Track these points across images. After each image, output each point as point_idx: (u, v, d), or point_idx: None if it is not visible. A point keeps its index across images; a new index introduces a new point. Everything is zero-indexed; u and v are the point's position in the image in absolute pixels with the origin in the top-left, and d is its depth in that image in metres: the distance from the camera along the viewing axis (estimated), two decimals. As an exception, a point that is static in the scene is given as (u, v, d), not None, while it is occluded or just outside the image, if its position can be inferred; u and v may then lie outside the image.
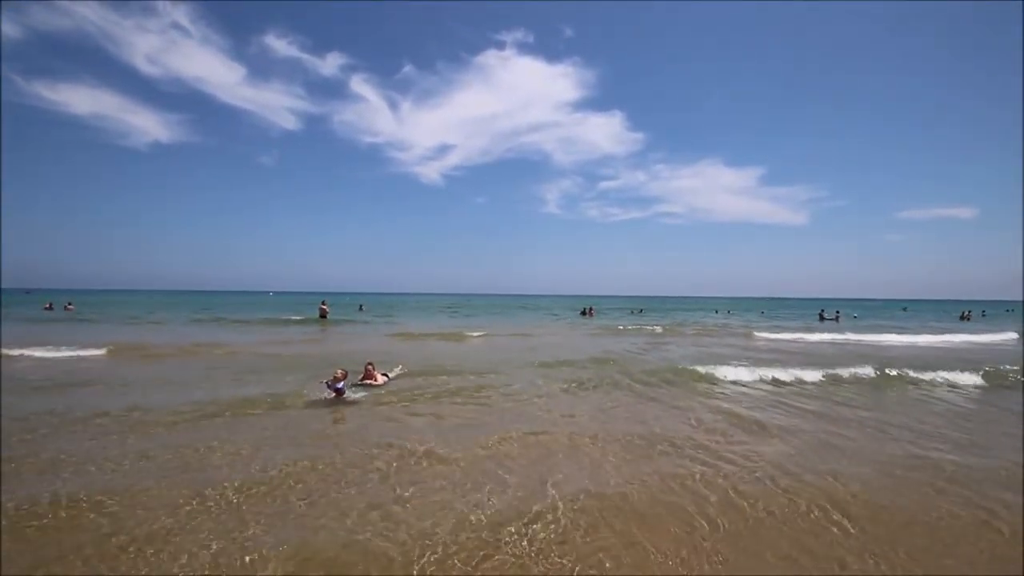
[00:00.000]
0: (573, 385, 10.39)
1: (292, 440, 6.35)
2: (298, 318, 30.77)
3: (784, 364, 13.35)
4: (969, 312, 48.80)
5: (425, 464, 5.54)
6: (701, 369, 12.09)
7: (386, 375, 10.24)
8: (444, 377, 10.79)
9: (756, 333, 25.51)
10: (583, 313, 44.06)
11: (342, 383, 8.67)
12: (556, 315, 43.73)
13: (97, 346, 14.36)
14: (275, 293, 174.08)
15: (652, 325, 30.07)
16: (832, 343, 21.63)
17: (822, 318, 42.20)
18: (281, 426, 7.00)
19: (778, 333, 25.63)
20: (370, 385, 9.46)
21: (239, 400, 8.38)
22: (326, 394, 8.66)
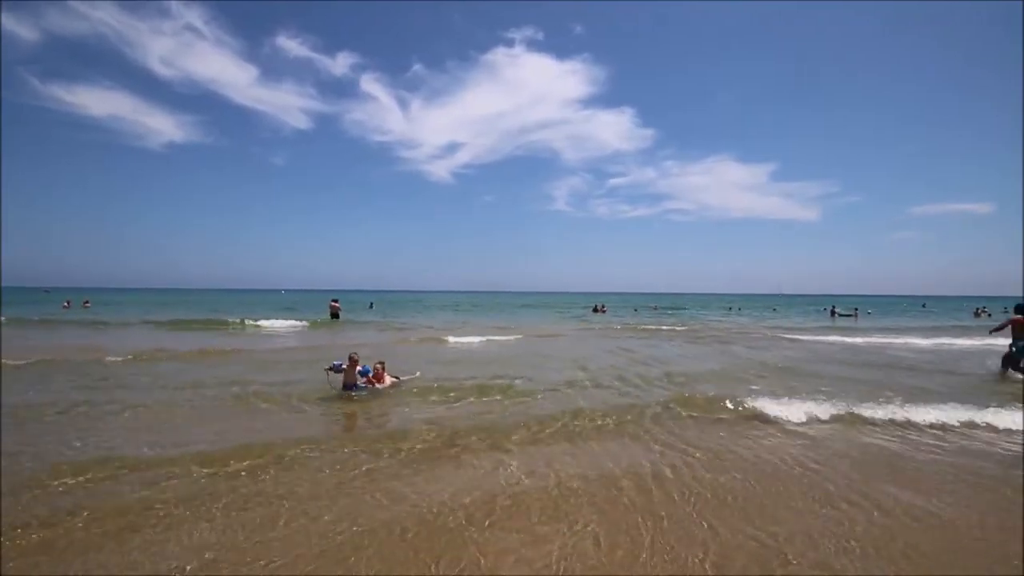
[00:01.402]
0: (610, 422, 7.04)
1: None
2: (299, 324, 26.60)
3: (874, 388, 9.28)
4: (982, 308, 47.91)
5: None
6: (771, 409, 7.56)
7: (397, 378, 9.68)
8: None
9: (786, 335, 21.91)
10: (595, 310, 44.76)
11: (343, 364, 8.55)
12: (568, 313, 43.58)
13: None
14: (287, 291, 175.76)
15: (670, 325, 28.66)
16: (883, 348, 17.24)
17: (834, 314, 41.65)
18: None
19: (814, 335, 22.13)
20: (375, 385, 8.94)
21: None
22: (332, 385, 8.53)
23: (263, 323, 26.06)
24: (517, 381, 10.00)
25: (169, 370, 11.14)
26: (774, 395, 8.36)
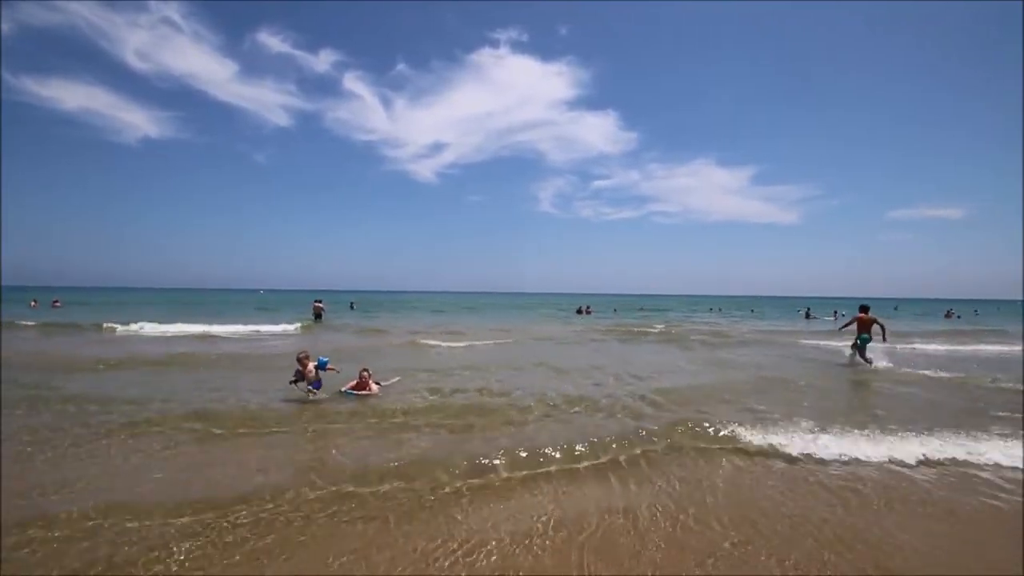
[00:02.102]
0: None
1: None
2: (274, 329, 22.89)
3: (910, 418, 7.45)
4: (952, 311, 49.70)
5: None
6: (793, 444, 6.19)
7: (378, 383, 9.32)
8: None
9: (777, 339, 21.14)
10: (579, 312, 44.83)
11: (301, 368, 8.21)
12: (550, 315, 43.66)
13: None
14: (266, 291, 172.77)
15: (655, 326, 28.63)
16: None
17: (808, 316, 42.65)
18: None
19: (797, 338, 21.63)
20: (366, 395, 8.66)
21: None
22: (304, 391, 8.32)
23: (223, 328, 22.37)
24: (481, 399, 8.55)
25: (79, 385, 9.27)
26: (791, 422, 6.87)
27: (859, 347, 13.37)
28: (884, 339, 13.74)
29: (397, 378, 10.16)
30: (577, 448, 5.69)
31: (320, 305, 29.66)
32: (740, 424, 6.72)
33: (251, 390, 8.98)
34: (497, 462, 5.27)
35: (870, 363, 12.95)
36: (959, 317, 44.99)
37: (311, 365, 8.36)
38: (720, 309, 55.65)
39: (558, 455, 5.52)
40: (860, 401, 9.31)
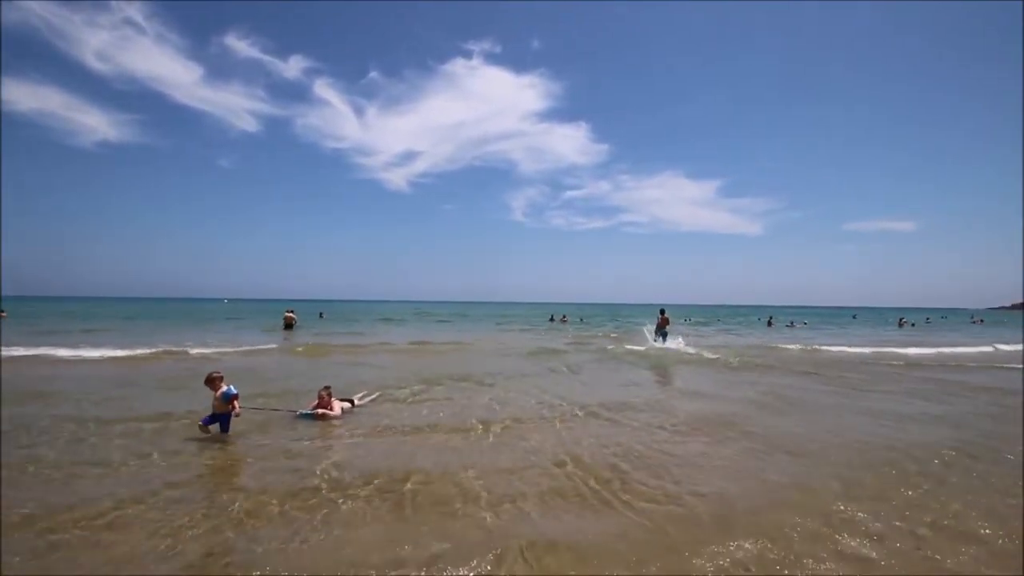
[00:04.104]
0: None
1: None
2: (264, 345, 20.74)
3: None
4: (904, 319, 52.36)
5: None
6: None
7: (350, 401, 8.46)
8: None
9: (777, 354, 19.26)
10: (551, 320, 44.37)
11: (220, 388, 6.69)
12: (521, 324, 43.37)
13: None
14: (230, 300, 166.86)
15: (631, 341, 28.87)
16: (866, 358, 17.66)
17: (770, 324, 44.11)
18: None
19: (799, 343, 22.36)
20: (325, 416, 7.65)
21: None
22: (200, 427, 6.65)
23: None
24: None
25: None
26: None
27: (660, 335, 20.44)
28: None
29: (377, 394, 9.37)
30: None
31: (291, 315, 29.50)
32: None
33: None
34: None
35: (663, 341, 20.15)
36: (913, 325, 47.31)
37: (220, 391, 6.63)
38: (689, 319, 56.78)
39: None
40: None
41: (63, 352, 15.03)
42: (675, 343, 19.92)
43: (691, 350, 18.82)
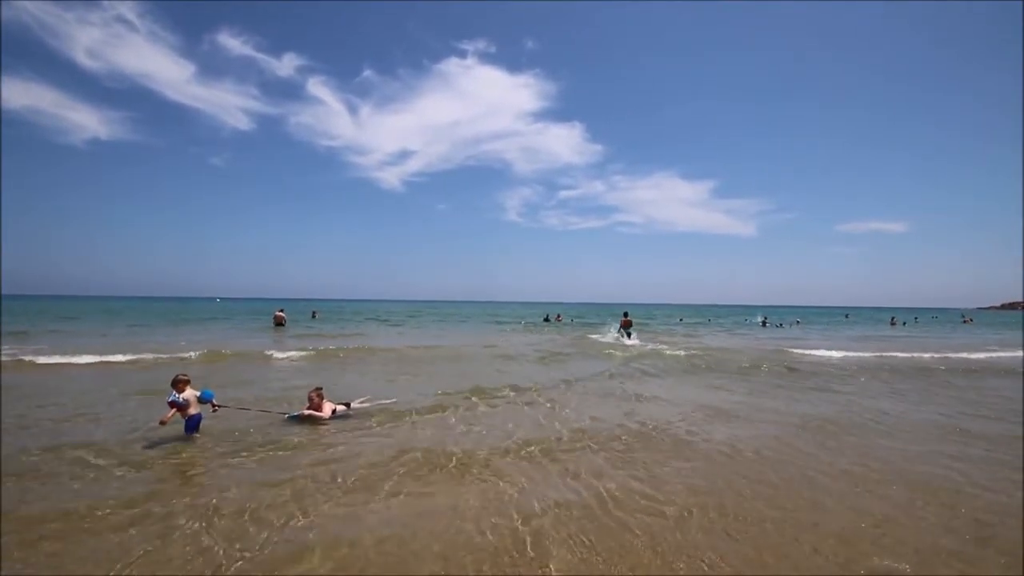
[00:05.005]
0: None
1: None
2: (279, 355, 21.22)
3: None
4: (895, 318, 53.24)
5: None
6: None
7: (347, 405, 8.13)
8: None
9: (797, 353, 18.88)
10: (546, 320, 43.86)
11: (179, 395, 6.35)
12: (514, 325, 43.35)
13: None
14: (222, 299, 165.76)
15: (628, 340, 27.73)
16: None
17: (764, 324, 44.34)
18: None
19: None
20: (312, 418, 7.47)
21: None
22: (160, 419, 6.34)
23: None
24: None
25: None
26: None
27: (624, 334, 23.18)
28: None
29: (368, 398, 8.98)
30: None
31: (281, 314, 30.51)
32: None
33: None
34: None
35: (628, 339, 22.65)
36: (904, 324, 47.73)
37: (189, 393, 6.46)
38: (682, 319, 56.86)
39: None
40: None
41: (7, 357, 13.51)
42: (636, 340, 22.93)
43: (649, 346, 21.43)
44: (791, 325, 43.87)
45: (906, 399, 10.18)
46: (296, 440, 6.58)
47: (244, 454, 5.98)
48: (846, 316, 75.36)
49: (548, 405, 9.06)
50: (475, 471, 5.46)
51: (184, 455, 5.92)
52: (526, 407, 8.88)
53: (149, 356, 14.54)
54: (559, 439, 6.77)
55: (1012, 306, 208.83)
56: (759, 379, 12.80)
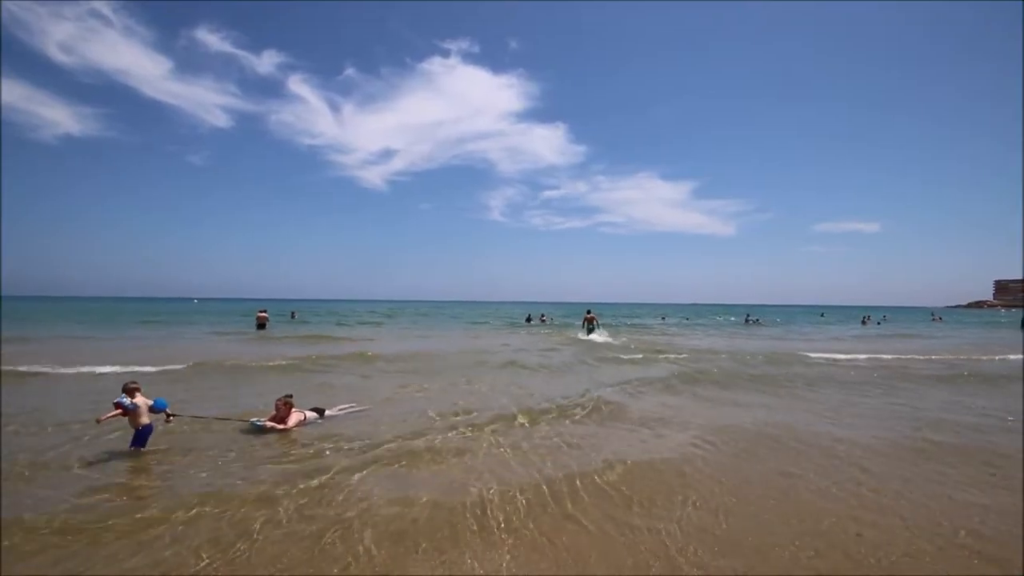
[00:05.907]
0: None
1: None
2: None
3: None
4: (867, 316, 54.93)
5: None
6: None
7: (320, 413, 7.65)
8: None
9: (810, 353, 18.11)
10: (528, 320, 42.38)
11: (127, 399, 5.86)
12: (497, 325, 43.35)
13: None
14: (200, 300, 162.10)
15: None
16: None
17: (747, 321, 45.53)
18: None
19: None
20: (275, 429, 6.88)
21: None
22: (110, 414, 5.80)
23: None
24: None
25: None
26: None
27: (588, 331, 25.65)
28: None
29: (351, 405, 8.40)
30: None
31: (264, 315, 30.26)
32: None
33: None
34: None
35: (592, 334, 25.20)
36: (878, 323, 49.22)
37: (140, 400, 6.01)
38: (664, 317, 57.66)
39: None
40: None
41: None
42: (600, 336, 25.14)
43: (613, 340, 23.84)
44: (772, 324, 45.04)
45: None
46: (260, 453, 6.06)
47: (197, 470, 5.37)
48: (822, 315, 77.23)
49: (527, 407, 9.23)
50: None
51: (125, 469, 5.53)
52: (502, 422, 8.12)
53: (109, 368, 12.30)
54: (523, 425, 6.97)
55: (978, 304, 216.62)
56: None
